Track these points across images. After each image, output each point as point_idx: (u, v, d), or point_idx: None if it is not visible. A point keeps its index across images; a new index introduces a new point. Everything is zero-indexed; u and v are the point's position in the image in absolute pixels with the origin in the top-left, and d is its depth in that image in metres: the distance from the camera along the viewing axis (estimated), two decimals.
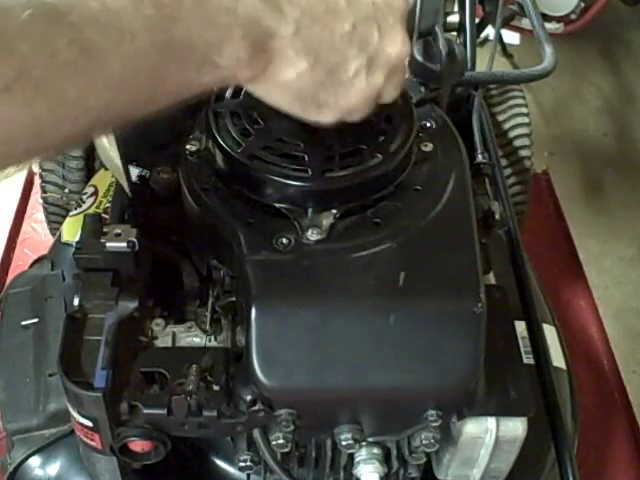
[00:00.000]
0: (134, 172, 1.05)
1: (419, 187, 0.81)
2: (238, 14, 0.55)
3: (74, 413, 0.74)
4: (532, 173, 1.54)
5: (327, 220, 0.75)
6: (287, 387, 0.71)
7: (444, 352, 0.72)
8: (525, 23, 2.20)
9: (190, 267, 0.89)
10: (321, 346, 0.71)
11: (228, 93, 0.82)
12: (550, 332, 1.03)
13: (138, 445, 0.76)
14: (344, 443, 0.74)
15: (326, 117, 0.68)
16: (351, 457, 0.79)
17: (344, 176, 0.75)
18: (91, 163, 1.42)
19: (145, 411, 0.73)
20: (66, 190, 1.44)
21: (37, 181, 1.58)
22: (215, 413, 0.72)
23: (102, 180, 1.05)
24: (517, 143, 1.48)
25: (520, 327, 0.91)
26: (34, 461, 0.95)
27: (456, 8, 1.34)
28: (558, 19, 2.33)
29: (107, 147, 0.87)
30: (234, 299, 0.81)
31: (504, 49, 2.43)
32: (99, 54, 0.48)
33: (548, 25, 2.20)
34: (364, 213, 0.78)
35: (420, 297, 0.74)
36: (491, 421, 0.76)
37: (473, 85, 1.24)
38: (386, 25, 0.63)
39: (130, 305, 0.76)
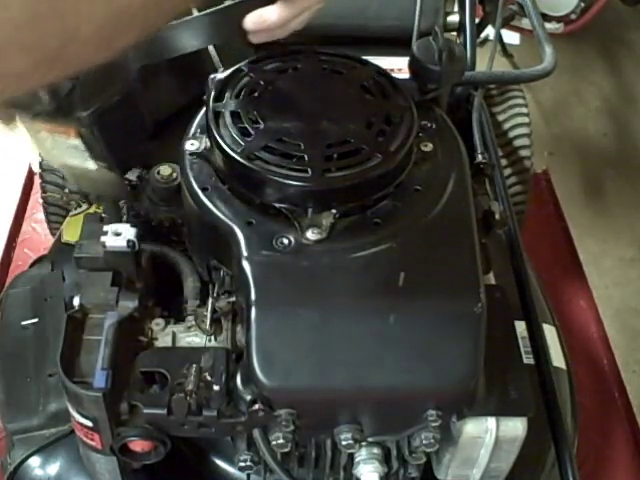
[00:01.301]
0: (134, 172, 1.05)
1: (419, 187, 0.81)
2: None
3: (74, 413, 0.74)
4: (532, 173, 1.54)
5: (327, 220, 0.75)
6: (287, 387, 0.71)
7: (444, 352, 0.72)
8: (525, 23, 2.20)
9: (190, 267, 0.89)
10: (321, 346, 0.71)
11: (228, 93, 0.82)
12: (550, 332, 1.03)
13: (138, 445, 0.76)
14: (344, 443, 0.74)
15: None
16: (351, 457, 0.79)
17: (344, 176, 0.75)
18: None
19: (145, 411, 0.73)
20: (66, 190, 1.44)
21: (37, 181, 1.58)
22: (215, 413, 0.72)
23: None
24: (517, 143, 1.48)
25: (520, 327, 0.91)
26: (34, 461, 0.95)
27: (456, 8, 1.34)
28: (558, 19, 2.33)
29: (92, 169, 0.88)
30: (234, 299, 0.81)
31: (504, 49, 2.42)
32: None
33: (548, 25, 2.20)
34: (364, 213, 0.78)
35: (420, 297, 0.74)
36: (491, 421, 0.76)
37: (473, 85, 1.24)
38: None
39: (130, 305, 0.77)
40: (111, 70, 0.79)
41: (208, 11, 0.77)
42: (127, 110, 0.88)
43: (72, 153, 0.86)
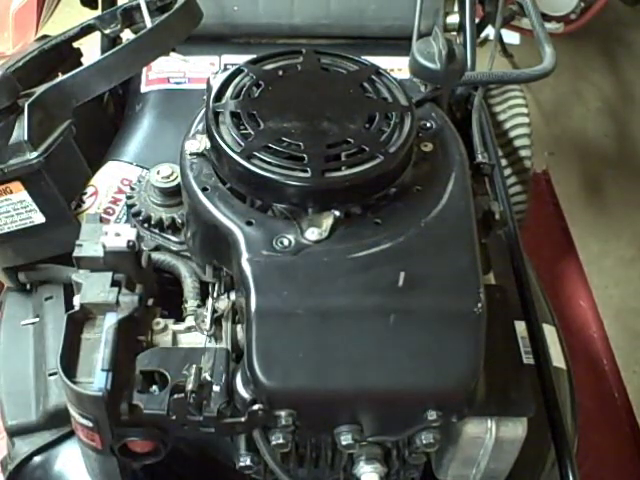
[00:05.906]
0: (135, 172, 1.06)
1: (419, 187, 0.80)
2: None
3: (74, 413, 0.74)
4: (532, 173, 1.54)
5: (327, 220, 0.75)
6: (287, 387, 0.71)
7: (444, 352, 0.72)
8: (525, 23, 2.20)
9: (188, 268, 0.89)
10: (321, 346, 0.71)
11: (228, 93, 0.82)
12: (550, 332, 1.03)
13: (138, 445, 0.76)
14: (344, 443, 0.74)
15: None
16: (351, 457, 0.79)
17: (344, 176, 0.75)
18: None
19: (145, 411, 0.73)
20: None
21: None
22: (215, 413, 0.72)
23: (102, 180, 1.06)
24: (517, 143, 1.48)
25: (520, 327, 0.91)
26: (34, 461, 0.95)
27: (456, 8, 1.34)
28: (558, 19, 2.33)
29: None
30: (234, 299, 0.81)
31: (504, 49, 2.42)
32: None
33: (548, 25, 2.20)
34: (364, 213, 0.78)
35: (420, 297, 0.74)
36: (491, 421, 0.76)
37: (473, 85, 1.24)
38: None
39: (130, 305, 0.76)
40: (53, 112, 0.89)
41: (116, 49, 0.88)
42: (69, 149, 0.93)
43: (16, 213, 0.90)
